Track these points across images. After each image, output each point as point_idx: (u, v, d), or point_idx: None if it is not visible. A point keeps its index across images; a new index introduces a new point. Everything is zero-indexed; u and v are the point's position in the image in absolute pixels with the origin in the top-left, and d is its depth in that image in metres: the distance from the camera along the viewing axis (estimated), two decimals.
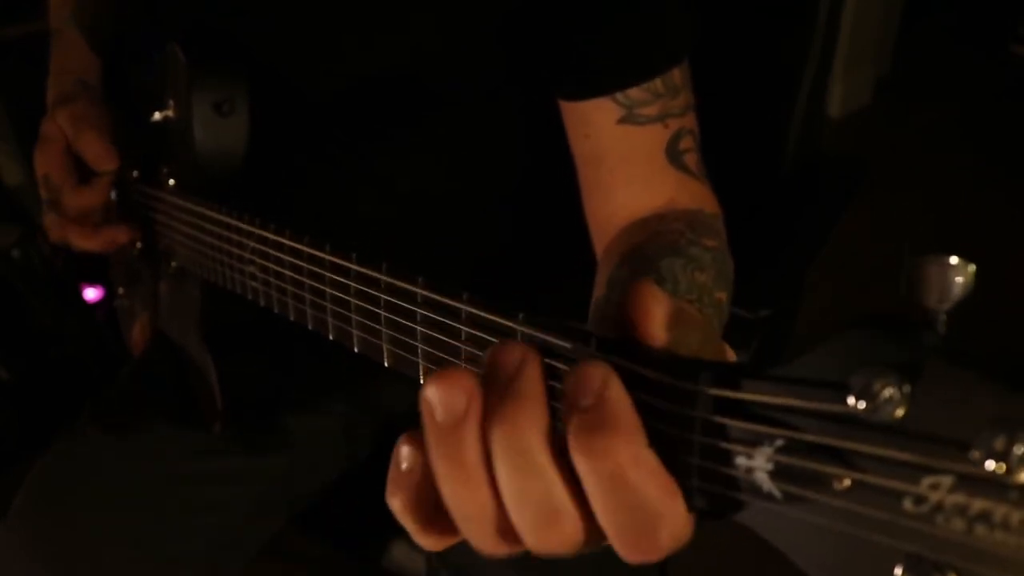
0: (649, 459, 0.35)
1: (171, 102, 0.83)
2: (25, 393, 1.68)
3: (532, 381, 0.37)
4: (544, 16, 0.69)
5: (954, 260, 0.28)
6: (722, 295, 0.65)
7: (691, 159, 0.72)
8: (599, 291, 0.65)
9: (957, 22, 3.28)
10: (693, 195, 0.72)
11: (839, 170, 1.17)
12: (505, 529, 0.37)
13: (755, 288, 0.89)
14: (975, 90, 2.96)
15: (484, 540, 0.38)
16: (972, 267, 0.28)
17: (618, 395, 0.34)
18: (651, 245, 0.65)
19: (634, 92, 0.69)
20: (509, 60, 0.74)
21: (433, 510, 0.39)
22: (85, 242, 0.90)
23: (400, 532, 1.08)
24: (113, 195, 0.92)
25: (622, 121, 0.70)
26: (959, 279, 0.28)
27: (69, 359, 1.68)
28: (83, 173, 0.89)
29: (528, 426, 0.35)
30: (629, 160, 0.71)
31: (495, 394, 0.37)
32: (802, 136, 1.03)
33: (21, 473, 0.90)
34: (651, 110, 0.69)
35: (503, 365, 0.37)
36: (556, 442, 0.36)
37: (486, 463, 0.36)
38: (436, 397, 0.37)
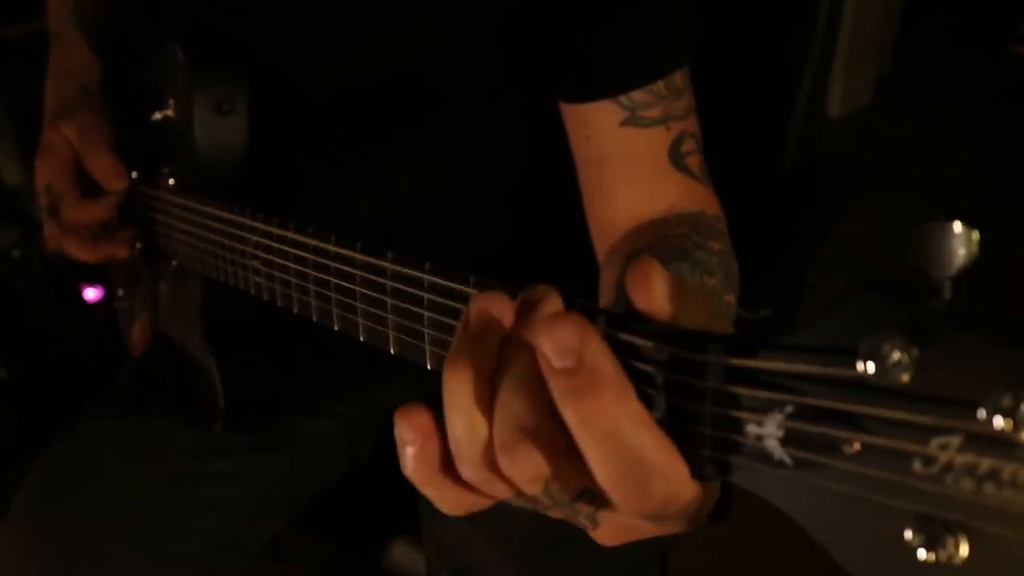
0: (640, 412, 0.35)
1: (171, 102, 0.83)
2: (25, 393, 1.68)
3: (552, 307, 0.38)
4: (545, 16, 0.69)
5: (958, 227, 0.29)
6: (730, 298, 0.65)
7: (694, 161, 0.72)
8: (606, 296, 0.65)
9: (957, 22, 3.28)
10: (696, 198, 0.72)
11: (839, 170, 1.17)
12: (491, 457, 0.38)
13: (755, 288, 0.89)
14: (975, 90, 2.97)
15: (474, 466, 0.38)
16: (976, 233, 0.29)
17: (597, 350, 0.34)
18: (656, 249, 0.65)
19: (637, 94, 0.69)
20: (509, 60, 0.74)
21: (443, 470, 0.40)
22: (84, 254, 0.89)
23: (400, 532, 1.08)
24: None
25: (625, 123, 0.70)
26: (963, 245, 0.29)
27: (69, 359, 1.68)
28: (87, 186, 0.89)
29: (539, 343, 0.36)
30: (631, 162, 0.71)
31: (522, 316, 0.38)
32: (802, 136, 1.04)
33: (21, 473, 0.90)
34: (654, 112, 0.69)
35: (532, 294, 0.39)
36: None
37: (491, 380, 0.38)
38: (474, 306, 0.39)
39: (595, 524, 0.39)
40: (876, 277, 0.30)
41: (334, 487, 0.99)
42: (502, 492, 0.39)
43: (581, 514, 0.39)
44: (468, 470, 0.38)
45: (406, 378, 0.92)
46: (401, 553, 1.05)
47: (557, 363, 0.34)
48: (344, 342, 0.60)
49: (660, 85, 0.69)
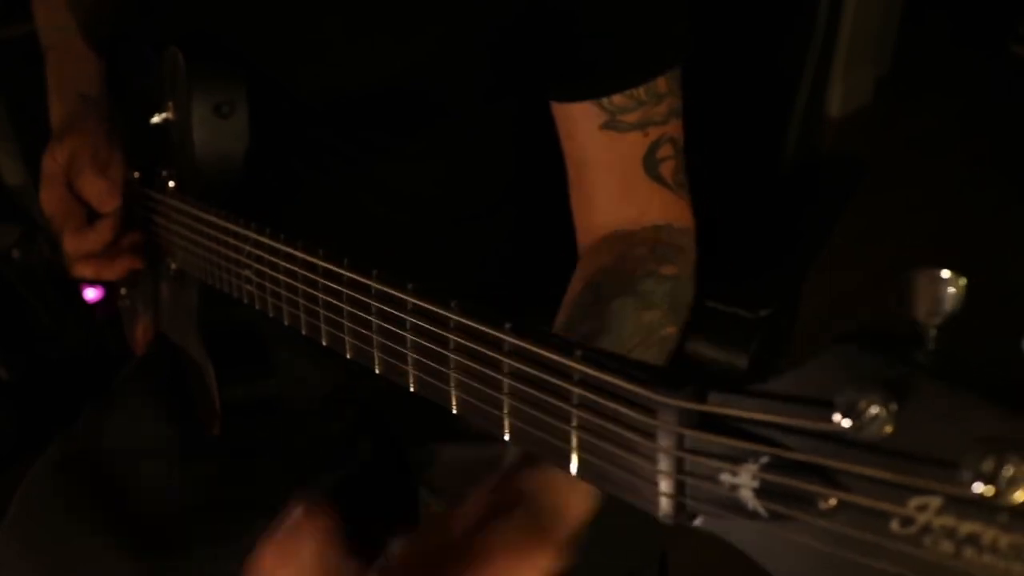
0: None
1: (171, 104, 0.83)
2: (25, 393, 1.68)
3: None
4: (536, 23, 0.69)
5: (946, 273, 0.28)
6: (672, 329, 0.66)
7: (668, 168, 0.72)
8: (564, 312, 0.67)
9: (957, 22, 3.28)
10: (665, 207, 0.72)
11: (839, 170, 1.16)
12: None
13: (755, 288, 0.89)
14: (975, 90, 2.96)
15: None
16: (963, 280, 0.28)
17: None
18: (608, 283, 0.67)
19: (617, 98, 0.69)
20: (503, 67, 0.74)
21: None
22: (106, 275, 0.88)
23: (400, 532, 1.08)
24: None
25: (605, 127, 0.70)
26: (950, 292, 0.28)
27: (69, 359, 1.67)
28: (90, 209, 0.88)
29: None
30: (607, 166, 0.72)
31: None
32: (802, 136, 1.03)
33: (21, 473, 0.90)
34: (632, 117, 0.70)
35: None
36: None
37: None
38: None
39: None
40: (859, 324, 0.30)
41: (333, 488, 0.99)
42: None
43: None
44: None
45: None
46: None
47: None
48: None
49: (640, 90, 0.69)
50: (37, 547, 0.84)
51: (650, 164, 0.71)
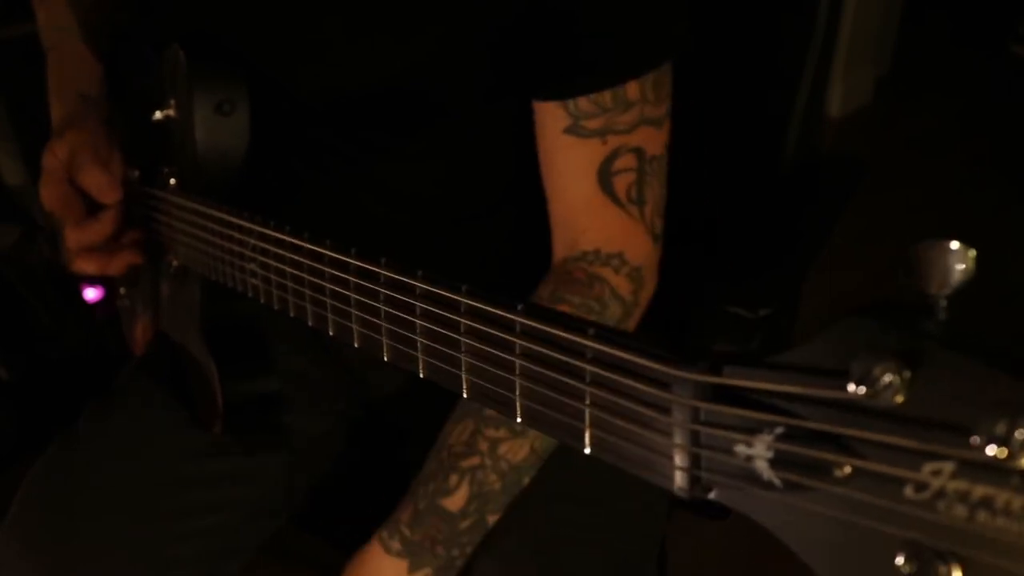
0: None
1: (172, 102, 0.83)
2: (25, 393, 1.68)
3: None
4: (536, 23, 0.69)
5: (955, 245, 0.28)
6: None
7: (623, 182, 0.71)
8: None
9: (957, 22, 3.28)
10: (607, 227, 0.72)
11: (839, 170, 1.17)
12: None
13: (755, 288, 0.89)
14: (975, 90, 2.96)
15: None
16: (972, 252, 0.28)
17: None
18: None
19: (583, 103, 0.69)
20: (503, 67, 0.74)
21: None
22: (109, 270, 0.88)
23: None
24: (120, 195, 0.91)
25: (567, 131, 0.70)
26: (959, 265, 0.28)
27: (69, 359, 1.67)
28: (90, 203, 0.88)
29: None
30: (566, 173, 0.72)
31: None
32: (802, 136, 1.03)
33: (21, 473, 0.90)
34: (594, 123, 0.69)
35: None
36: None
37: None
38: None
39: None
40: (871, 296, 0.30)
41: (333, 487, 0.99)
42: None
43: None
44: None
45: (405, 376, 0.92)
46: None
47: None
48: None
49: (606, 96, 0.68)
50: (37, 547, 0.84)
51: (603, 175, 0.70)
